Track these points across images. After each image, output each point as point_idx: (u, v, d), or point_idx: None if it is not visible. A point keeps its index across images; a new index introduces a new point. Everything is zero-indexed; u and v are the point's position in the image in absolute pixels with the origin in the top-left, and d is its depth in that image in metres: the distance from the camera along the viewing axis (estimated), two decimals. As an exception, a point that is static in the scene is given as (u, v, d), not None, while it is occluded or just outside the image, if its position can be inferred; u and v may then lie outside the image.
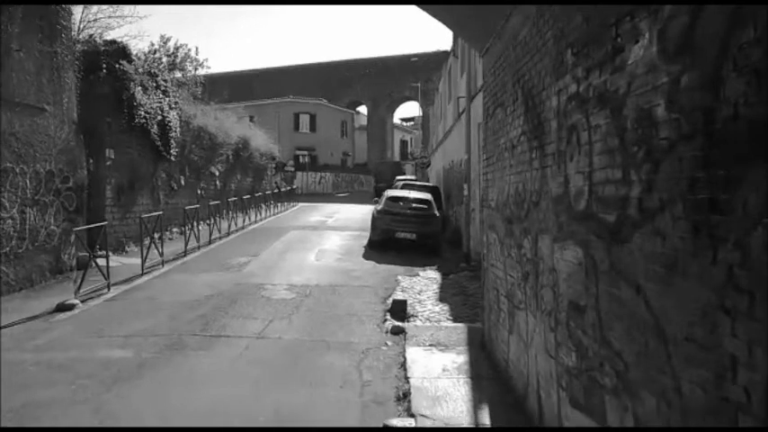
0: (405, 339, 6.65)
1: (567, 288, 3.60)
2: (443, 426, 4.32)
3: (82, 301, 8.37)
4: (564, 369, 3.63)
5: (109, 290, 9.19)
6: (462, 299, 9.14)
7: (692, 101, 2.16)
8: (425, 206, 14.74)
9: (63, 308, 8.00)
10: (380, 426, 4.39)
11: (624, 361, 2.77)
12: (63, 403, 4.84)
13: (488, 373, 5.50)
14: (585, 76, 3.28)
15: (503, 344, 5.41)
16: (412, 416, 4.47)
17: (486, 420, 4.41)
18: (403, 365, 5.81)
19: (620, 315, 2.82)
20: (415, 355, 6.03)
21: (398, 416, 4.59)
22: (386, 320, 7.69)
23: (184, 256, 12.75)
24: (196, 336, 6.80)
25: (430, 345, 6.39)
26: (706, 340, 2.08)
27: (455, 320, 7.86)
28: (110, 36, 13.81)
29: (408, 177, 30.79)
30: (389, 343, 6.69)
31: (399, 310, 8.07)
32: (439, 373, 5.50)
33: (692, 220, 2.18)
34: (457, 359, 5.93)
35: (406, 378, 5.38)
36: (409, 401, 4.79)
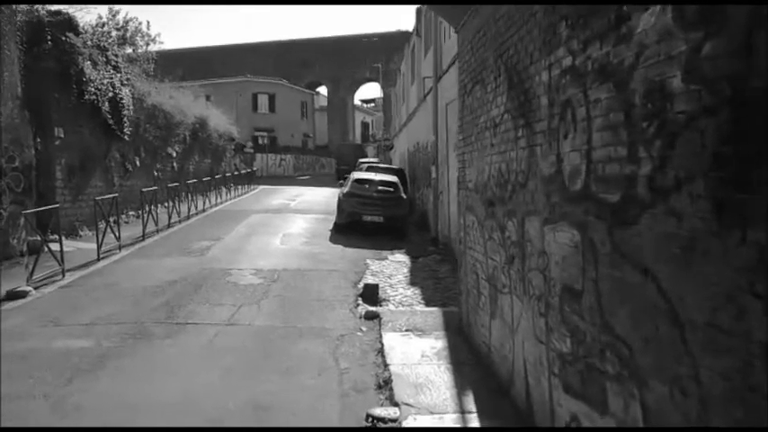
0: (380, 325, 6.48)
1: (560, 272, 3.47)
2: (428, 414, 4.18)
3: (35, 288, 7.89)
4: (557, 355, 3.52)
5: (64, 276, 8.70)
6: (434, 282, 9.03)
7: (717, 70, 2.02)
8: (392, 189, 14.55)
9: (14, 296, 7.51)
10: (363, 414, 4.23)
11: (629, 347, 2.66)
12: (20, 398, 4.48)
13: (469, 359, 5.39)
14: (583, 48, 3.11)
15: (483, 329, 5.30)
16: (395, 405, 4.31)
17: (471, 407, 4.29)
18: (380, 352, 5.65)
19: (625, 299, 2.70)
20: (391, 340, 5.88)
21: (381, 404, 4.42)
22: (358, 305, 7.52)
23: (143, 240, 12.23)
24: (161, 323, 6.46)
25: (406, 330, 6.24)
26: (731, 326, 1.97)
27: (428, 304, 7.74)
28: (53, 6, 12.87)
29: (372, 160, 30.43)
30: (364, 329, 6.52)
31: (371, 294, 7.91)
32: (418, 359, 5.35)
33: (714, 198, 2.04)
34: (435, 344, 5.80)
35: (385, 365, 5.22)
36: (391, 389, 4.62)
